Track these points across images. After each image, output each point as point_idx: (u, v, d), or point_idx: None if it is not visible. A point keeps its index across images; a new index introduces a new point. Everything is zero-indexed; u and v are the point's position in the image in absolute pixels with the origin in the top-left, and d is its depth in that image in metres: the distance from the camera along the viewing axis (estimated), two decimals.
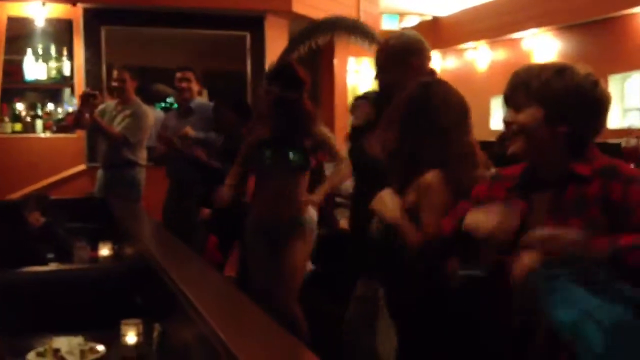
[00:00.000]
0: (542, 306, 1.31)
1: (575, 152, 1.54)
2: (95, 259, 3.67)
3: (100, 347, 2.16)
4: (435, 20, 11.04)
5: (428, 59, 2.58)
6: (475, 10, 9.84)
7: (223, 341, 1.35)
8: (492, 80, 9.89)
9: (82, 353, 2.07)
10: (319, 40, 4.23)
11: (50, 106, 6.37)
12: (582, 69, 1.56)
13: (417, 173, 1.87)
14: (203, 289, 1.86)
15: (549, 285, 1.28)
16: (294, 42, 4.26)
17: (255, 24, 6.64)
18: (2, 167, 5.96)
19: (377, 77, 2.58)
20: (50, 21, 6.20)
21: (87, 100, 4.68)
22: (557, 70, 1.55)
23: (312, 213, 3.39)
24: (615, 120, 7.38)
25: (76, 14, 6.17)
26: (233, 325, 1.50)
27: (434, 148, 1.88)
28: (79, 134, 6.26)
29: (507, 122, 1.60)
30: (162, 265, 2.10)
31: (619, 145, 5.41)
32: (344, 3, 7.49)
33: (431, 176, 1.87)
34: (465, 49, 10.43)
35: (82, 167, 6.27)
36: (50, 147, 6.22)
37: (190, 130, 4.57)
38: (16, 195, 5.52)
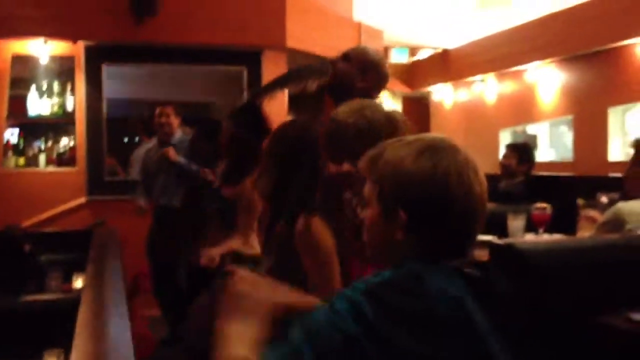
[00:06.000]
0: None
1: None
2: (70, 290, 3.80)
3: None
4: (445, 52, 11.09)
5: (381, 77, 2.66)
6: (482, 42, 9.88)
7: None
8: (500, 112, 9.86)
9: None
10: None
11: (52, 141, 6.55)
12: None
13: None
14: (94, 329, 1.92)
15: None
16: (267, 86, 4.23)
17: (252, 59, 6.78)
18: (5, 201, 6.13)
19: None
20: (53, 58, 6.41)
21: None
22: None
23: None
24: (616, 153, 7.31)
25: (78, 51, 6.36)
26: None
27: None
28: (80, 167, 6.44)
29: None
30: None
31: (619, 179, 5.30)
32: (343, 37, 7.59)
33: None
34: (474, 82, 10.44)
35: (82, 199, 6.42)
36: (51, 180, 6.39)
37: (172, 152, 4.68)
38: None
